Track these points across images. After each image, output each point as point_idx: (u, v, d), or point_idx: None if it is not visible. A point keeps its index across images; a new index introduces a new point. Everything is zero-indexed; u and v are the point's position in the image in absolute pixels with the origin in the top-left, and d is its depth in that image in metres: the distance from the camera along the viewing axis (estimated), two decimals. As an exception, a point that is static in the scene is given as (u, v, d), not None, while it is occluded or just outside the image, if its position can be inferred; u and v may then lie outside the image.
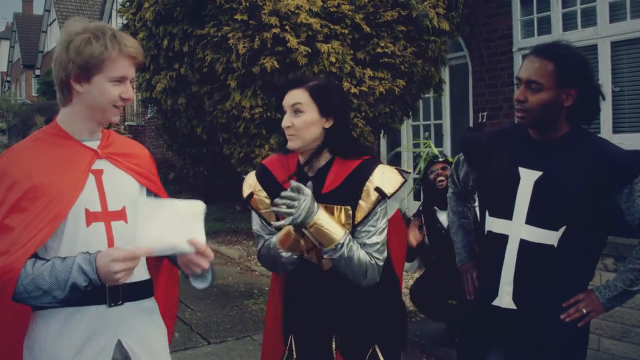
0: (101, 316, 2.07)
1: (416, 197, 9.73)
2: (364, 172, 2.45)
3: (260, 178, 2.59)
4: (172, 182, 14.25)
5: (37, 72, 32.89)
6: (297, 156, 2.54)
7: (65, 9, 28.95)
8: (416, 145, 8.73)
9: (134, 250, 1.94)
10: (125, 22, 8.53)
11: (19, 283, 1.92)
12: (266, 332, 2.84)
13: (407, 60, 7.15)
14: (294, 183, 2.31)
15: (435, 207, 4.97)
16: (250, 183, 2.59)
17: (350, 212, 2.43)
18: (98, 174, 2.14)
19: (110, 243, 2.09)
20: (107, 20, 21.69)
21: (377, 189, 2.40)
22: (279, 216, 2.41)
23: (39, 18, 34.91)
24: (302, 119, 2.41)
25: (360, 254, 2.37)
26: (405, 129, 10.23)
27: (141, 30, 7.44)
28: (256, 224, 2.62)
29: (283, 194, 2.29)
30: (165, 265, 2.41)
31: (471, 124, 8.81)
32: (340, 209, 2.43)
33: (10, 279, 1.90)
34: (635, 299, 3.82)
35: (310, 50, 6.48)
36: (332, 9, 6.75)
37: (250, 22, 6.49)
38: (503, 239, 2.50)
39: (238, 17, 6.47)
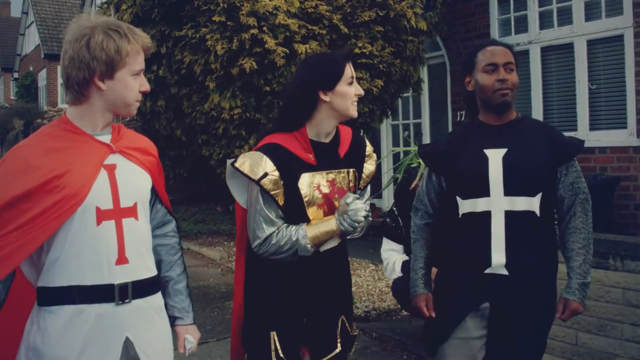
0: (107, 315, 2.01)
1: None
2: (361, 138, 2.72)
3: (274, 157, 2.45)
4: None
5: (15, 75, 32.48)
6: (304, 130, 2.52)
7: (43, 12, 28.57)
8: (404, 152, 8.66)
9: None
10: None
11: None
12: (235, 332, 2.79)
13: (385, 60, 7.19)
14: (351, 196, 2.46)
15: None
16: (262, 164, 2.42)
17: (357, 173, 2.64)
18: (111, 169, 2.07)
19: (121, 242, 2.04)
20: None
21: (374, 151, 2.72)
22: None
23: (17, 21, 34.51)
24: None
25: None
26: (385, 128, 10.27)
27: (119, 32, 7.41)
28: (267, 207, 2.45)
29: (359, 209, 2.44)
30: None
31: (449, 124, 8.88)
32: (351, 172, 2.61)
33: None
34: (611, 293, 3.86)
35: (288, 51, 6.48)
36: (309, 10, 6.77)
37: (229, 23, 6.49)
38: (486, 215, 2.67)
39: (216, 18, 6.48)
